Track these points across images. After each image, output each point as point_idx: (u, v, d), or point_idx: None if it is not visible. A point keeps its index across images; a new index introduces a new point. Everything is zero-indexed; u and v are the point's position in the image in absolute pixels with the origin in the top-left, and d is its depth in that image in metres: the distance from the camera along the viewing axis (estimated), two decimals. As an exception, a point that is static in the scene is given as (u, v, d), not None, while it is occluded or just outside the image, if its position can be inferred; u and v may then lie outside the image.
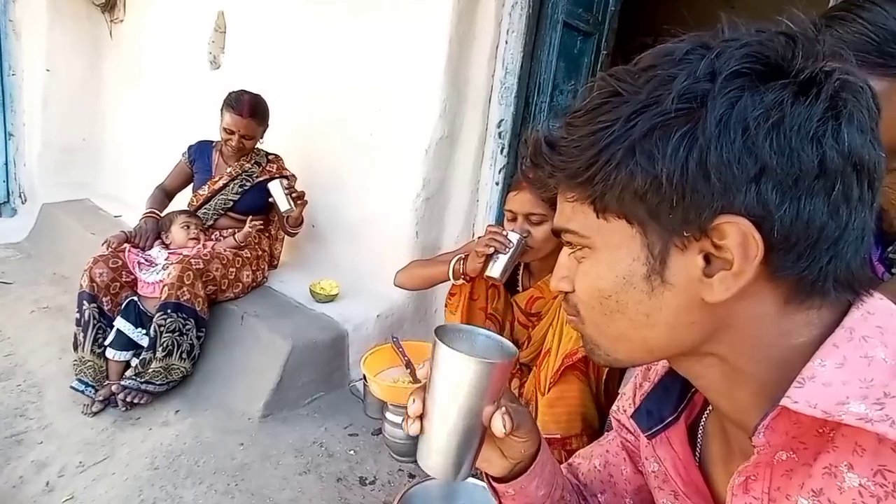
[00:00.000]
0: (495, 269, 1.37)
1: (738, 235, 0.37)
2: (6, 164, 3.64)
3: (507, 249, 1.35)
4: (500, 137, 2.02)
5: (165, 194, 2.23)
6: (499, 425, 0.51)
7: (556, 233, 0.48)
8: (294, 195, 1.96)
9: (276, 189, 1.93)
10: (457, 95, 1.99)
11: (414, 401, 0.54)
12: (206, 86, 2.74)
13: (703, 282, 0.39)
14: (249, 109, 2.03)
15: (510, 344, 0.57)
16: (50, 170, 3.48)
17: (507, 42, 1.95)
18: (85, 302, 1.80)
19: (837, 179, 0.37)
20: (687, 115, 0.37)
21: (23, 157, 3.60)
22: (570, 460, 0.77)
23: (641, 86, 0.39)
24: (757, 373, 0.42)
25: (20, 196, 3.64)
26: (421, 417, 0.54)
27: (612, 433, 0.70)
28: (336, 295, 2.07)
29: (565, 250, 0.49)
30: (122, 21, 3.46)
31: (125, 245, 1.94)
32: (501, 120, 2.00)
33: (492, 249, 1.36)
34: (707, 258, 0.39)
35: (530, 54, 1.98)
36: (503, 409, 0.52)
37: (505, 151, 2.02)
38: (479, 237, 1.47)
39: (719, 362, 0.44)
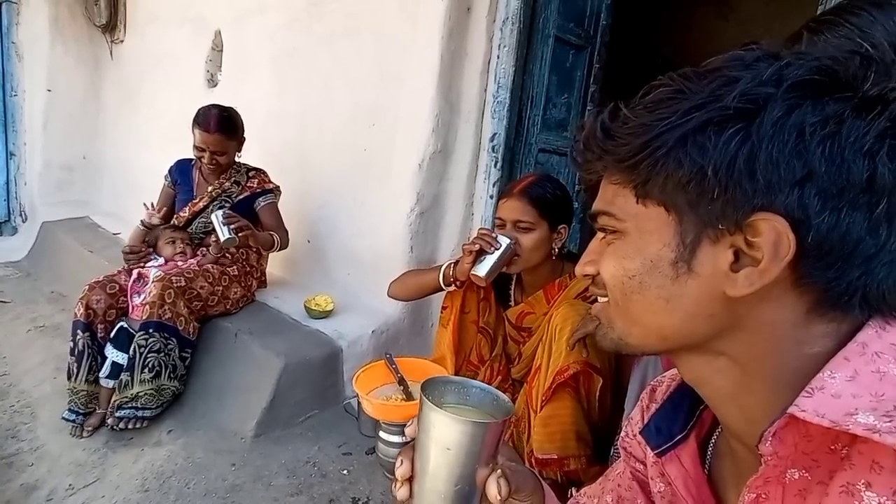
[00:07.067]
0: (481, 268, 1.37)
1: (772, 233, 0.38)
2: (7, 183, 3.67)
3: (494, 249, 1.36)
4: (493, 151, 2.01)
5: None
6: (493, 491, 0.47)
7: (593, 217, 0.48)
8: (234, 226, 1.83)
9: (214, 220, 1.84)
10: (450, 110, 1.99)
11: (402, 462, 0.50)
12: (204, 104, 2.73)
13: (728, 276, 0.40)
14: (216, 124, 1.95)
15: (505, 397, 0.52)
16: (50, 188, 3.52)
17: (498, 57, 1.95)
18: (79, 331, 1.75)
19: (884, 198, 0.37)
20: (745, 113, 0.37)
21: (24, 176, 3.64)
22: (577, 499, 0.73)
23: (705, 85, 0.39)
24: (769, 379, 0.41)
25: (21, 214, 3.67)
26: (410, 480, 0.50)
27: (619, 465, 0.67)
28: (331, 311, 2.06)
29: (596, 237, 0.49)
30: (122, 41, 3.52)
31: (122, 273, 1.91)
32: (495, 134, 2.00)
33: (478, 246, 1.38)
34: (737, 254, 0.40)
35: (522, 68, 1.98)
36: (498, 472, 0.48)
37: (499, 165, 2.02)
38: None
39: (730, 366, 0.43)
